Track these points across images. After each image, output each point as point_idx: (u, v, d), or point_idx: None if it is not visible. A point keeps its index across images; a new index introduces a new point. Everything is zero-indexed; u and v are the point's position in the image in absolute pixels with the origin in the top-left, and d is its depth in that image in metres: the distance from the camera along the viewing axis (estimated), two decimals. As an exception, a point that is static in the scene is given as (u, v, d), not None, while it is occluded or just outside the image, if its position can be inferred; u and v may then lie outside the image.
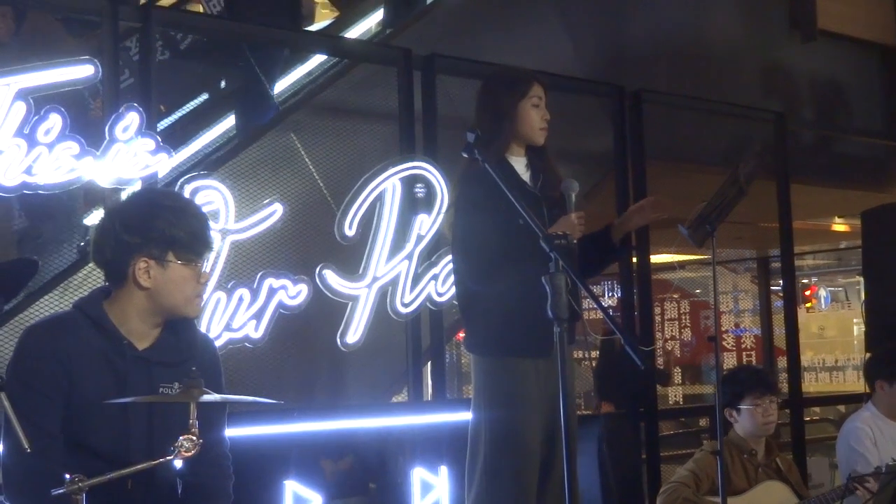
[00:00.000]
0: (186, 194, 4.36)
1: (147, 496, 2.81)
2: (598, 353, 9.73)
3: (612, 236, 4.11)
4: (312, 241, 5.20)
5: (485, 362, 3.95)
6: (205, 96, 6.80)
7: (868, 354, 6.40)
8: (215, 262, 4.46)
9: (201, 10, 6.90)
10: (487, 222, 3.85)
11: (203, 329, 4.36)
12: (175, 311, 2.86)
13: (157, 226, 2.80)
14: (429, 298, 5.03)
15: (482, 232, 3.87)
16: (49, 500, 2.54)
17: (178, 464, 2.77)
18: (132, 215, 2.85)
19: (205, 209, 4.35)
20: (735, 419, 4.76)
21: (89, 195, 5.13)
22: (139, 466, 2.66)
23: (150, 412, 2.81)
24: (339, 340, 4.81)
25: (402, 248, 4.93)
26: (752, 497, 4.63)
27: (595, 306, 3.63)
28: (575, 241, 3.84)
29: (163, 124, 6.20)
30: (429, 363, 5.46)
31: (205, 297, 4.38)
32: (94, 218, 4.93)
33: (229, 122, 6.42)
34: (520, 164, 4.04)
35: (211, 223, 4.35)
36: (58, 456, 2.72)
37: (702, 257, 11.27)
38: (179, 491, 2.90)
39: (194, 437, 2.62)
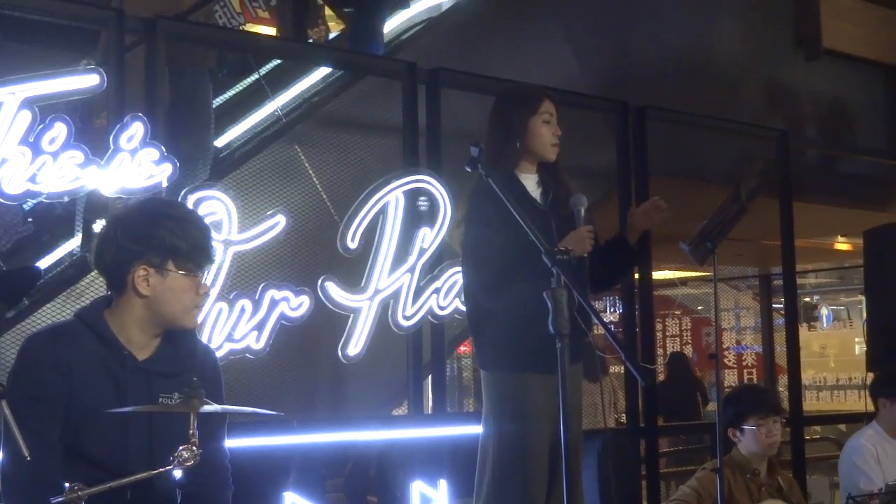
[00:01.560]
0: (190, 204, 4.37)
1: None
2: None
3: (628, 240, 4.09)
4: (315, 253, 5.21)
5: (495, 377, 3.94)
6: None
7: (869, 374, 6.39)
8: (217, 272, 4.47)
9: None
10: (497, 237, 3.85)
11: (205, 339, 4.37)
12: (173, 321, 2.86)
13: (157, 234, 2.80)
14: (430, 312, 5.03)
15: (492, 247, 3.87)
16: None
17: (178, 474, 2.77)
18: (134, 222, 2.85)
19: (207, 220, 4.38)
20: (738, 439, 4.72)
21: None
22: (138, 476, 2.65)
23: (150, 422, 2.81)
24: (340, 353, 4.81)
25: (404, 262, 4.93)
26: None
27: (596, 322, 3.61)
28: (586, 255, 3.83)
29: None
30: (429, 376, 5.46)
31: (204, 309, 4.40)
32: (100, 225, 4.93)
33: (236, 131, 6.43)
34: (530, 180, 4.04)
35: (213, 234, 4.39)
36: (57, 465, 2.72)
37: (704, 274, 11.27)
38: (178, 501, 2.90)
39: (194, 448, 2.62)
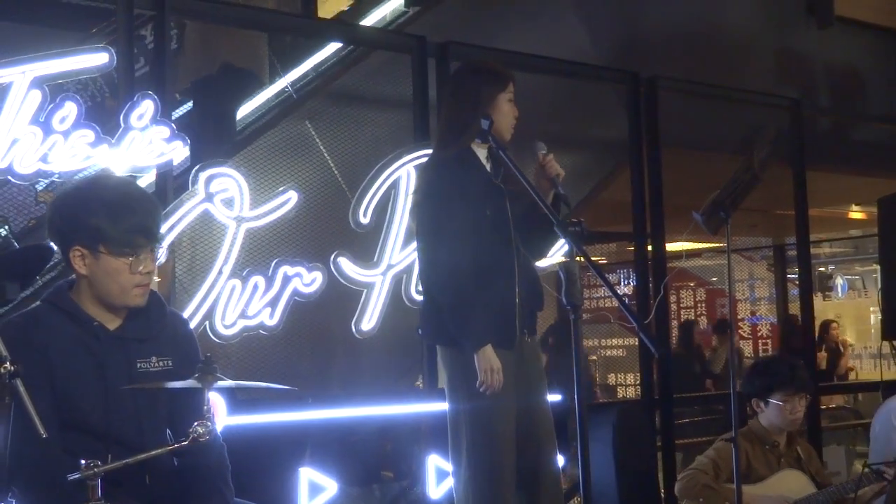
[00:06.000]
0: (201, 182, 4.37)
1: (144, 468, 2.84)
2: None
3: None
4: (327, 229, 5.21)
5: (454, 353, 3.93)
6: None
7: (885, 343, 6.37)
8: (230, 249, 4.48)
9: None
10: (455, 212, 3.84)
11: (219, 316, 4.39)
12: (112, 299, 2.88)
13: (89, 221, 2.82)
14: (443, 286, 5.01)
15: (450, 222, 3.86)
16: (58, 485, 2.57)
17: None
18: (67, 207, 2.88)
19: (219, 197, 4.40)
20: (761, 410, 4.71)
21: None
22: (156, 452, 2.70)
23: (131, 391, 2.84)
24: (353, 328, 4.82)
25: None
26: (768, 485, 4.62)
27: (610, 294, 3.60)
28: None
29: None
30: (444, 350, 5.45)
31: (217, 286, 4.41)
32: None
33: (245, 109, 6.42)
34: (481, 155, 3.99)
35: (225, 210, 4.40)
36: (58, 442, 2.75)
37: (717, 245, 11.25)
38: (175, 463, 2.94)
39: (208, 423, 2.65)
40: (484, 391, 3.80)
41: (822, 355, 11.80)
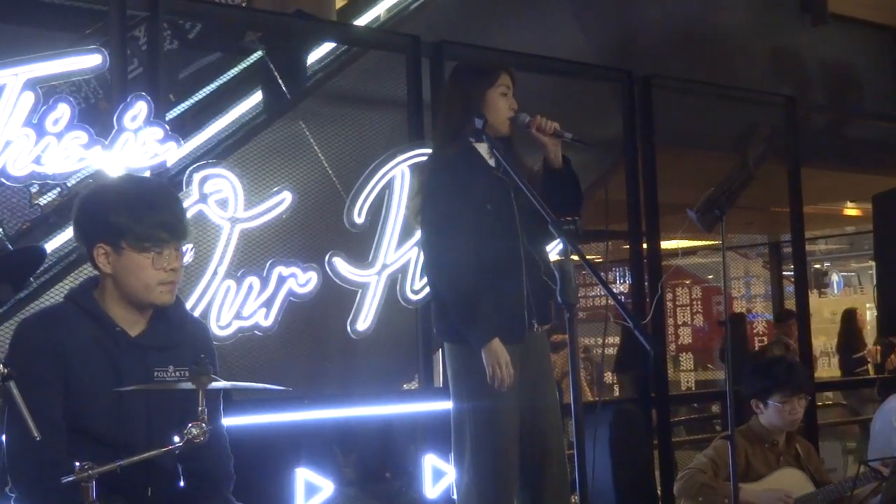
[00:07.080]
0: (195, 183, 4.36)
1: (147, 480, 2.84)
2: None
3: (553, 167, 4.00)
4: (322, 229, 5.20)
5: (461, 350, 3.93)
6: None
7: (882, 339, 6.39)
8: (224, 250, 4.47)
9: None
10: (456, 210, 3.84)
11: (213, 317, 4.38)
12: (138, 297, 2.88)
13: (108, 216, 2.83)
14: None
15: (451, 220, 3.86)
16: (57, 488, 2.55)
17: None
18: (90, 204, 2.90)
19: (213, 198, 4.39)
20: (761, 410, 4.72)
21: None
22: (150, 454, 2.69)
23: (146, 396, 2.84)
24: (349, 328, 4.81)
25: (411, 236, 4.92)
26: (767, 484, 4.63)
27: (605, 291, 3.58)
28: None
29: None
30: (439, 350, 5.45)
31: (212, 287, 4.40)
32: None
33: (240, 109, 6.40)
34: (483, 150, 4.00)
35: (219, 211, 4.40)
36: (62, 444, 2.75)
37: (713, 243, 11.26)
38: (181, 473, 2.93)
39: (203, 424, 2.64)
40: (498, 386, 3.79)
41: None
